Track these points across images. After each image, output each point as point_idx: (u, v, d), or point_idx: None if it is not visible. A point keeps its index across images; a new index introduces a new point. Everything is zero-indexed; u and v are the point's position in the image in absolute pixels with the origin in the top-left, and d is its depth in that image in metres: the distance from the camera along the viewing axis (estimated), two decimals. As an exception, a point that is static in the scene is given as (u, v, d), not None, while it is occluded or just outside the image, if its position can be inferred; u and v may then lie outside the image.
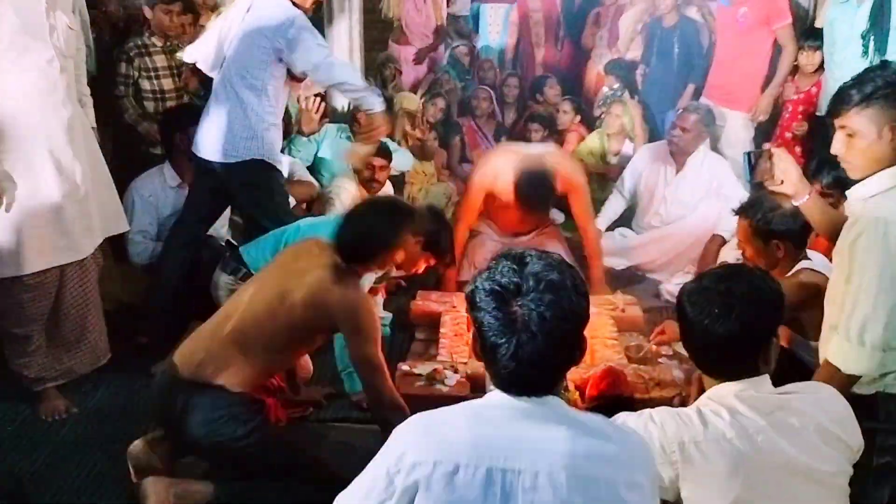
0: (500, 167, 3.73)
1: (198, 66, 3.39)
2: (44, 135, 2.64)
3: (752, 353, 1.64)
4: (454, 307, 3.50)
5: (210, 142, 3.20)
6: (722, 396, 1.64)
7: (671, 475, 1.56)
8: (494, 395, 1.38)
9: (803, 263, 2.60)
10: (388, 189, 4.27)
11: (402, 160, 4.74)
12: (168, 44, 3.99)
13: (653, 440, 1.58)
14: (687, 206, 4.16)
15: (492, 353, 1.34)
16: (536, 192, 3.60)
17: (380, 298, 3.35)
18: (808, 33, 4.40)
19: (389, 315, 3.52)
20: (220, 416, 2.26)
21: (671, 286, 3.92)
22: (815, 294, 2.41)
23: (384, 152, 4.04)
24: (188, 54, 3.42)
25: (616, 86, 5.41)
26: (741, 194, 3.94)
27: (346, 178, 4.11)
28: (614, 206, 4.44)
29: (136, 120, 3.92)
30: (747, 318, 1.61)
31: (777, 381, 1.69)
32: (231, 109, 3.14)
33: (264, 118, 3.16)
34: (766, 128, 4.68)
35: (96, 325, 2.98)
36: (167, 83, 4.00)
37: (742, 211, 2.71)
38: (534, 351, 1.31)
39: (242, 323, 2.34)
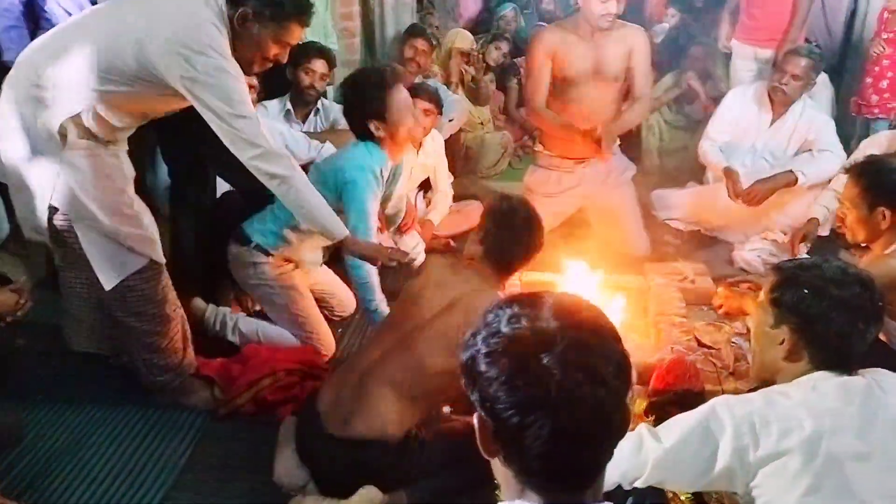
0: (562, 36, 3.51)
1: None
2: None
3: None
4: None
5: None
6: (801, 384, 1.52)
7: (743, 460, 1.44)
8: None
9: None
10: (437, 136, 3.97)
11: (460, 113, 4.42)
12: None
13: (724, 426, 1.46)
14: (777, 159, 3.73)
15: (516, 442, 0.94)
16: None
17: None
18: None
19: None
20: (389, 465, 2.08)
21: (746, 252, 3.60)
22: None
23: (433, 96, 3.74)
24: None
25: (674, 19, 5.01)
26: (840, 154, 3.58)
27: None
28: (714, 156, 3.84)
29: None
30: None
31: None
32: None
33: None
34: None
35: None
36: None
37: (852, 170, 2.37)
38: (580, 426, 0.92)
39: (399, 371, 2.11)
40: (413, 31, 4.38)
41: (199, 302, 2.91)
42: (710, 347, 2.69)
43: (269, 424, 2.42)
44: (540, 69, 3.55)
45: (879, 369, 1.57)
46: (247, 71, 2.24)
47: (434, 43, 4.85)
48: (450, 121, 4.19)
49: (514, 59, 5.28)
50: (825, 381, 1.51)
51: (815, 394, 1.48)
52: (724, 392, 2.44)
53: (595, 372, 0.93)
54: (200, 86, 2.08)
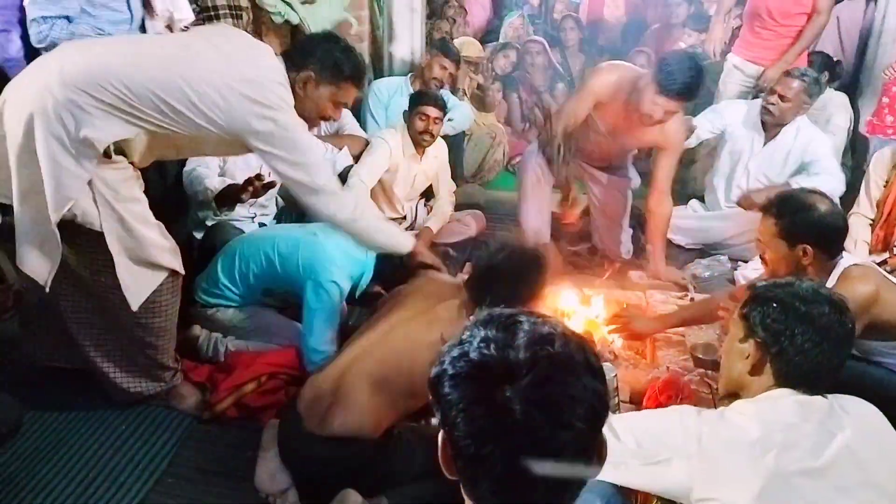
0: (619, 79, 3.20)
1: None
2: None
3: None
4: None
5: None
6: (760, 399, 1.55)
7: (685, 471, 1.44)
8: None
9: (843, 262, 2.23)
10: (441, 143, 3.94)
11: (463, 117, 4.39)
12: None
13: (670, 432, 1.49)
14: (772, 182, 3.68)
15: (471, 471, 0.91)
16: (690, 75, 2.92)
17: None
18: None
19: None
20: (367, 464, 2.05)
21: (748, 271, 3.52)
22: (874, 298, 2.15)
23: (439, 102, 3.71)
24: None
25: (691, 38, 4.94)
26: (837, 175, 3.53)
27: (390, 131, 3.79)
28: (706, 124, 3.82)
29: None
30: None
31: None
32: None
33: None
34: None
35: None
36: None
37: (767, 209, 2.32)
38: (537, 463, 0.87)
39: (377, 367, 2.10)
40: (443, 50, 4.33)
41: (196, 329, 2.87)
42: (707, 367, 2.63)
43: (252, 429, 2.40)
44: (582, 107, 3.26)
45: (847, 396, 1.56)
46: None
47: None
48: (449, 120, 4.16)
49: (515, 72, 5.23)
50: (783, 398, 1.52)
51: (771, 408, 1.49)
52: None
53: (559, 413, 0.87)
54: (271, 139, 2.15)
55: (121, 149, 2.14)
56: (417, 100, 3.70)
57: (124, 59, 2.09)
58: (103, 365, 2.42)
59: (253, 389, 2.51)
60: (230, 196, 2.98)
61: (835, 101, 4.68)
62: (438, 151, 3.90)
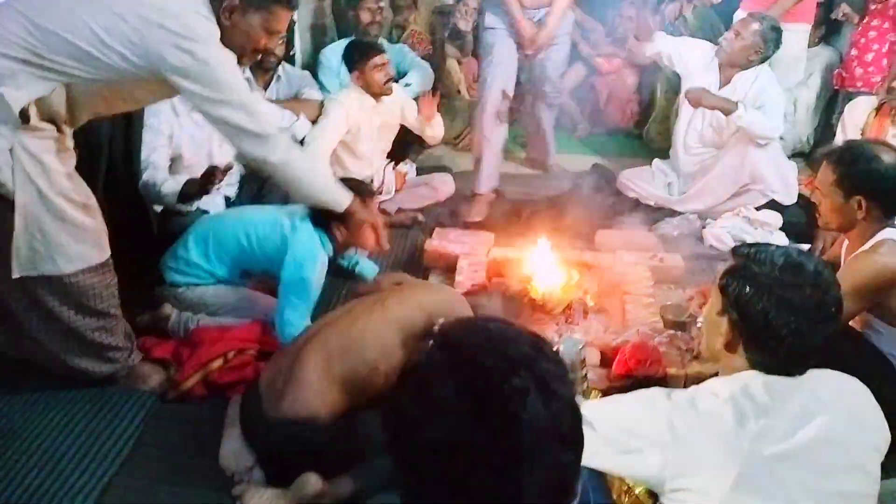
0: None
1: None
2: None
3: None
4: (473, 250, 3.20)
5: None
6: (732, 380, 1.47)
7: (659, 461, 1.38)
8: None
9: (885, 233, 2.15)
10: (397, 90, 3.85)
11: (421, 79, 4.31)
12: None
13: (641, 420, 1.43)
14: (723, 129, 3.62)
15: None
16: None
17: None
18: None
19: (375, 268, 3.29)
20: (325, 446, 2.01)
21: (717, 229, 3.52)
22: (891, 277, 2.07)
23: (379, 47, 3.72)
24: None
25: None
26: (776, 119, 3.49)
27: (344, 91, 3.72)
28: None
29: None
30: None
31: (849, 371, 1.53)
32: None
33: None
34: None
35: None
36: None
37: (829, 156, 2.26)
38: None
39: (334, 341, 2.07)
40: None
41: (167, 308, 2.79)
42: (676, 328, 2.62)
43: (219, 406, 2.35)
44: None
45: (828, 371, 1.49)
46: (238, 64, 2.19)
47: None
48: (407, 85, 4.09)
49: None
50: (757, 379, 1.44)
51: (745, 391, 1.41)
52: (686, 377, 2.40)
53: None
54: (190, 74, 2.03)
55: (49, 116, 2.04)
56: (365, 53, 3.60)
57: (30, 9, 1.99)
58: (51, 346, 2.31)
59: (220, 366, 2.46)
60: (193, 193, 2.89)
61: (822, 57, 4.68)
62: (396, 98, 3.81)
